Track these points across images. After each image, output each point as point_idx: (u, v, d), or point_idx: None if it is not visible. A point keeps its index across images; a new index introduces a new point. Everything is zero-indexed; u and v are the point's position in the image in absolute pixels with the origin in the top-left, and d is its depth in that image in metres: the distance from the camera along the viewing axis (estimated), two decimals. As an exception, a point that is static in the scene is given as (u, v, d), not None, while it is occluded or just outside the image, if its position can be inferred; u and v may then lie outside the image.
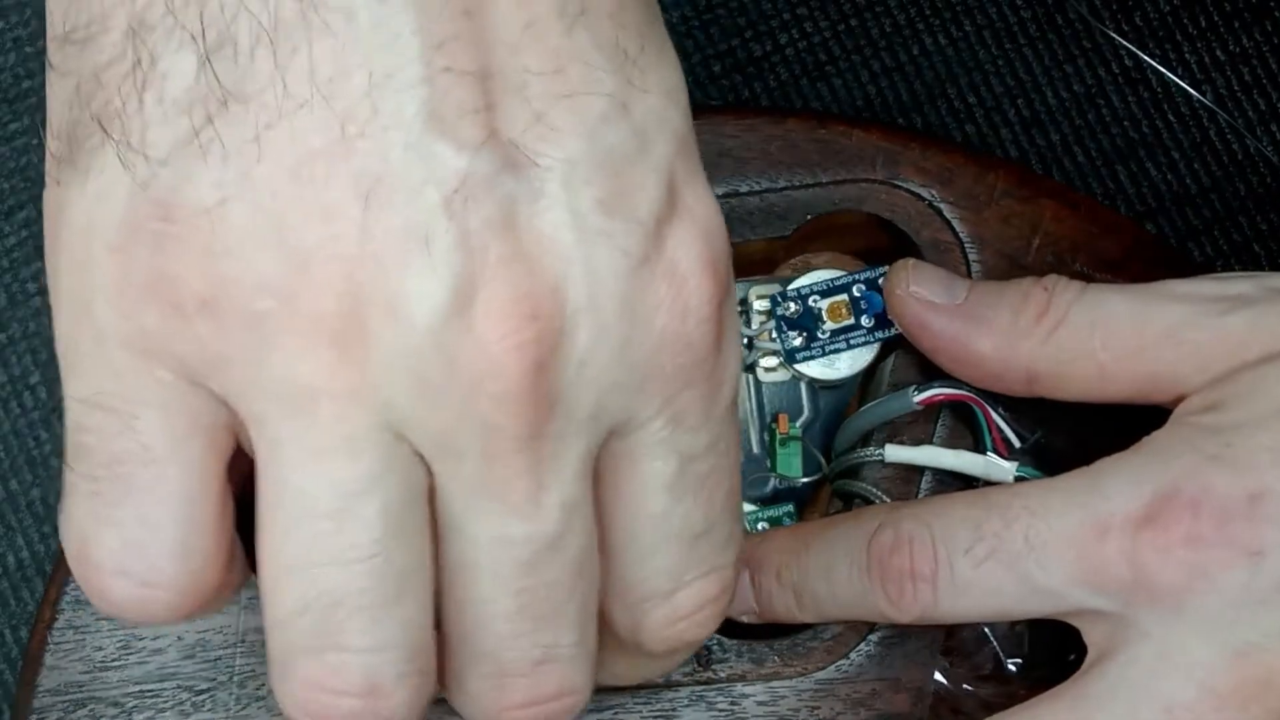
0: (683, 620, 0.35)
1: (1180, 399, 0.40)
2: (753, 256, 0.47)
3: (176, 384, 0.31)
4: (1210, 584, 0.37)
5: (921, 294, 0.43)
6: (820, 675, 0.44)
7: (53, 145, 0.31)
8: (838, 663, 0.44)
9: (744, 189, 0.46)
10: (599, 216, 0.31)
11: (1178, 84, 0.54)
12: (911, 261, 0.44)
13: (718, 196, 0.45)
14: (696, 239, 0.32)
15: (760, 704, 0.44)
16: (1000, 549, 0.39)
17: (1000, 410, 0.44)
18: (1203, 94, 0.54)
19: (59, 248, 0.31)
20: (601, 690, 0.44)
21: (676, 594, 0.35)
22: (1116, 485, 0.38)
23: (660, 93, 0.32)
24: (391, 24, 0.30)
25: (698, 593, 0.35)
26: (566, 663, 0.34)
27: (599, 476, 0.33)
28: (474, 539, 0.32)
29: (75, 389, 0.32)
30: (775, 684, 0.44)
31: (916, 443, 0.45)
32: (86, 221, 0.31)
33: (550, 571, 0.32)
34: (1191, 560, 0.37)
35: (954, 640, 0.44)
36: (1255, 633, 0.37)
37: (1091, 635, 0.39)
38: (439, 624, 0.33)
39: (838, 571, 0.41)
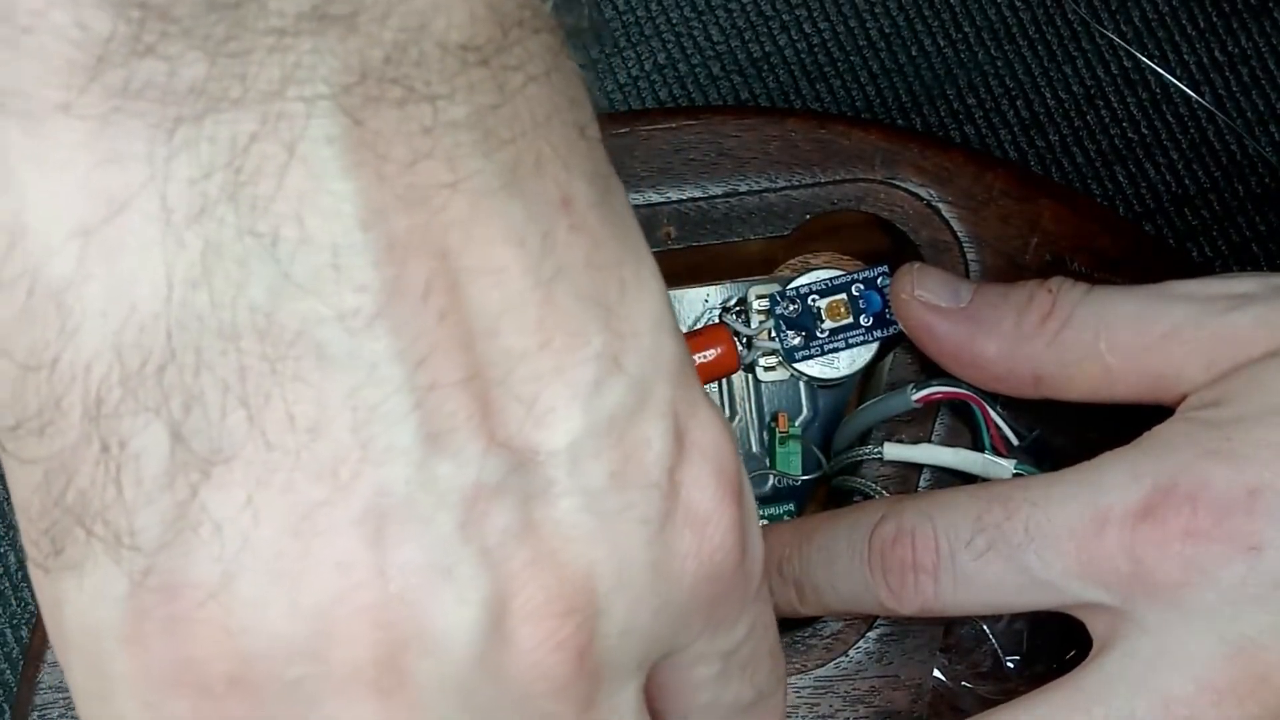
0: None
1: (1184, 398, 0.40)
2: (752, 256, 0.47)
3: None
4: (1207, 578, 0.37)
5: (926, 298, 0.43)
6: (820, 672, 0.44)
7: (28, 529, 0.29)
8: (837, 659, 0.44)
9: (744, 189, 0.46)
10: (613, 494, 0.30)
11: (1176, 85, 0.54)
12: (916, 265, 0.44)
13: (718, 197, 0.46)
14: (710, 475, 0.31)
15: (759, 701, 0.44)
16: (1001, 541, 0.39)
17: (998, 408, 0.44)
18: (1201, 95, 0.54)
19: (66, 644, 0.30)
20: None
21: None
22: (1116, 478, 0.38)
23: (648, 327, 0.30)
24: (366, 354, 0.28)
25: None
26: None
27: (649, 684, 0.33)
28: None
29: None
30: (774, 681, 0.44)
31: (915, 441, 0.45)
32: (89, 619, 0.29)
33: None
34: (1189, 554, 0.37)
35: (953, 637, 0.44)
36: (1253, 628, 0.37)
37: (1094, 628, 0.39)
38: None
39: (839, 563, 0.41)
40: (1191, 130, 0.54)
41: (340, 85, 0.27)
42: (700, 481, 0.31)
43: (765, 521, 0.47)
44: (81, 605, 0.29)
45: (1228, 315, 0.40)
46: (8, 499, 0.53)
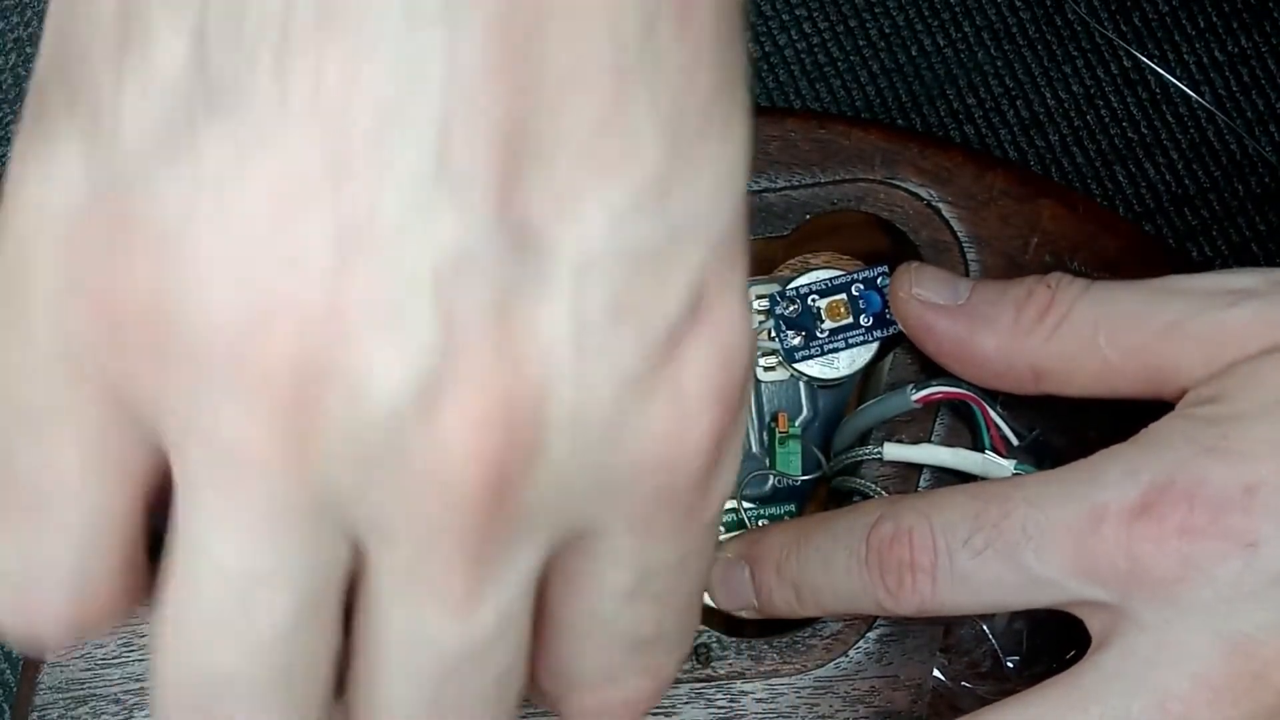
0: (605, 712, 0.33)
1: (1184, 393, 0.40)
2: (752, 256, 0.47)
3: (99, 407, 0.28)
4: (1204, 575, 0.37)
5: (925, 296, 0.43)
6: (819, 672, 0.44)
7: (33, 83, 0.27)
8: (837, 660, 0.44)
9: (743, 189, 0.46)
10: (605, 327, 0.27)
11: (1176, 85, 0.54)
12: (915, 265, 0.44)
13: (717, 196, 0.46)
14: (713, 361, 0.28)
15: (759, 701, 0.44)
16: (998, 539, 0.39)
17: (998, 408, 0.44)
18: (1201, 95, 0.54)
19: (6, 220, 0.27)
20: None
21: (605, 687, 0.32)
22: (1113, 475, 0.38)
23: (711, 178, 0.28)
24: (417, 49, 0.25)
25: (628, 690, 0.32)
26: None
27: (554, 562, 0.30)
28: (395, 632, 0.29)
29: None
30: (774, 681, 0.44)
31: (915, 441, 0.45)
32: (39, 201, 0.27)
33: (471, 681, 0.29)
34: (1186, 551, 0.37)
35: (953, 638, 0.44)
36: (1250, 625, 0.37)
37: (1092, 626, 0.39)
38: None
39: (837, 564, 0.41)
40: (1191, 130, 0.54)
41: None
42: (699, 363, 0.28)
43: (765, 522, 0.47)
44: (37, 181, 0.27)
45: (1228, 310, 0.40)
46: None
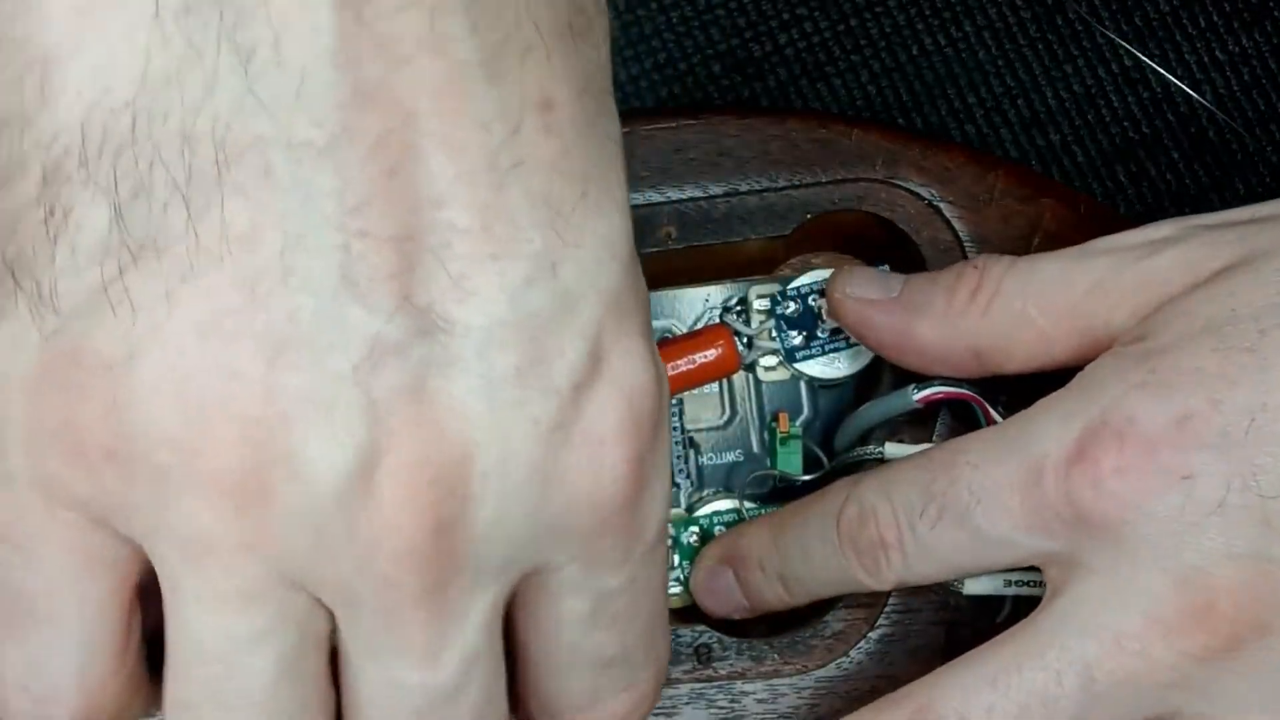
0: None
1: None
2: (752, 256, 0.47)
3: (79, 523, 0.31)
4: (1145, 513, 0.37)
5: (859, 294, 0.43)
6: (820, 673, 0.44)
7: None
8: (838, 660, 0.44)
9: (744, 189, 0.46)
10: (512, 385, 0.30)
11: (1177, 84, 0.54)
12: (846, 267, 0.44)
13: (718, 196, 0.46)
14: (618, 403, 0.31)
15: (760, 701, 0.44)
16: (949, 507, 0.39)
17: (999, 408, 0.44)
18: (1202, 94, 0.54)
19: None
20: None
21: (589, 709, 0.35)
22: (1048, 425, 0.39)
23: (594, 246, 0.31)
24: (307, 185, 0.29)
25: (612, 708, 0.35)
26: None
27: (517, 599, 0.33)
28: (370, 685, 0.32)
29: None
30: (775, 681, 0.44)
31: (916, 441, 0.45)
32: (3, 362, 0.31)
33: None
34: (1124, 492, 0.37)
35: (955, 637, 0.44)
36: (1195, 557, 0.37)
37: (1050, 577, 0.39)
38: None
39: (815, 552, 0.42)
40: (1192, 129, 0.54)
41: None
42: (605, 406, 0.31)
43: (766, 522, 0.47)
44: (1, 355, 0.31)
45: (1149, 260, 0.40)
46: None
